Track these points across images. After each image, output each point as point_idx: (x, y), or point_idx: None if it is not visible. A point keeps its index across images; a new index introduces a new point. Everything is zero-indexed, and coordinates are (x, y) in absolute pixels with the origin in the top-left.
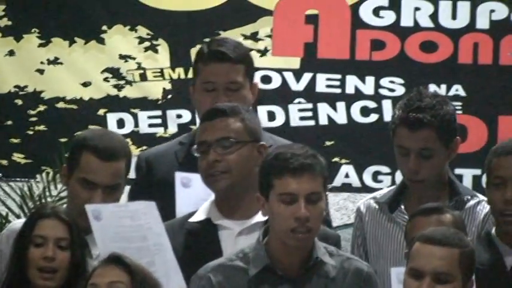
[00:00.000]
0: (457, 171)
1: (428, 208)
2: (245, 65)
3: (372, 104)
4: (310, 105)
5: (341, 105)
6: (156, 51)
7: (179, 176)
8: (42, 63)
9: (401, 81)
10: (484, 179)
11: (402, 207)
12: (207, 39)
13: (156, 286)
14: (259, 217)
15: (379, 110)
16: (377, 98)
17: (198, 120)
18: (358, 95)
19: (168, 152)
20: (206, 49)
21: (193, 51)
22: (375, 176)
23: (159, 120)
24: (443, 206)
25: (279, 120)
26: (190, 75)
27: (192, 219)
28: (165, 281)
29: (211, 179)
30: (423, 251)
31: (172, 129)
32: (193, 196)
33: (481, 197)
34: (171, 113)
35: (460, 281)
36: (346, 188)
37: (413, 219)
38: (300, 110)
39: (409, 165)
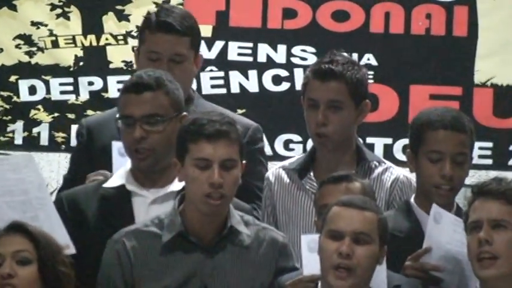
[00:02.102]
0: (369, 140)
1: (337, 176)
2: (191, 37)
3: (283, 73)
4: (222, 74)
5: (253, 74)
6: (67, 18)
7: (116, 146)
8: None
9: (313, 50)
10: (395, 147)
11: (311, 174)
12: (118, 7)
13: (60, 250)
14: (174, 186)
15: (290, 78)
16: (289, 66)
17: (112, 87)
18: (270, 64)
19: (109, 120)
20: (154, 18)
21: (105, 19)
22: (287, 144)
23: (70, 88)
24: (352, 174)
25: None
26: (102, 42)
27: (107, 185)
28: None
29: (136, 155)
30: (343, 214)
31: (84, 96)
32: (129, 165)
33: (388, 163)
34: (83, 80)
35: (377, 245)
36: None
37: (322, 187)
38: (212, 78)
39: (317, 117)
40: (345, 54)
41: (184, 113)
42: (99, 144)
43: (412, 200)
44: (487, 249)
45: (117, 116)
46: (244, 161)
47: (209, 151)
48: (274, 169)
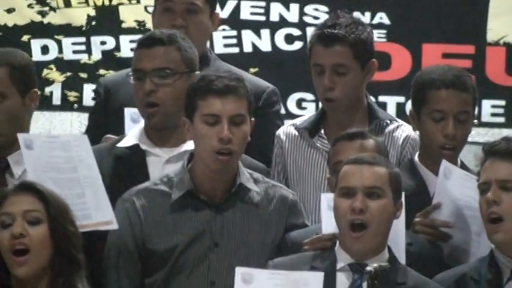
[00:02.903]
0: (381, 98)
1: (351, 133)
2: None
3: (296, 32)
4: (234, 33)
5: (265, 33)
6: None
7: (128, 112)
8: None
9: (325, 8)
10: (408, 106)
11: (322, 132)
12: None
13: (68, 212)
14: (188, 145)
15: (303, 37)
16: (301, 25)
17: (125, 46)
18: (283, 23)
19: (126, 79)
20: None
21: None
22: (299, 103)
23: (83, 47)
24: (366, 131)
25: None
26: (114, 1)
27: (121, 144)
28: (93, 213)
29: (146, 110)
30: (353, 170)
31: (97, 55)
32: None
33: (400, 121)
34: (95, 40)
35: (391, 199)
36: None
37: (336, 144)
38: (225, 37)
39: (324, 82)
40: (348, 14)
41: (197, 72)
42: (116, 104)
43: (416, 158)
44: (495, 210)
45: (130, 73)
46: (253, 119)
47: (218, 107)
48: (285, 127)
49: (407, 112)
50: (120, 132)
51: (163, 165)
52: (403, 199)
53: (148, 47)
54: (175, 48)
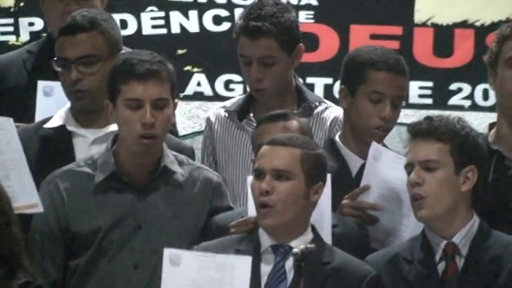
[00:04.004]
0: (309, 80)
1: (274, 115)
2: None
3: (224, 13)
4: (162, 14)
5: (193, 14)
6: None
7: (41, 85)
8: None
9: None
10: (336, 87)
11: (251, 115)
12: None
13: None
14: (114, 126)
15: (231, 18)
16: (229, 6)
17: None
18: (211, 4)
19: (16, 61)
20: None
21: None
22: (227, 84)
23: (11, 28)
24: (289, 113)
25: (131, 29)
26: None
27: (47, 125)
28: (19, 196)
29: (73, 96)
30: (265, 152)
31: (25, 37)
32: (54, 104)
33: (329, 103)
34: (23, 21)
35: (302, 181)
36: (198, 96)
37: (259, 125)
38: (152, 18)
39: (251, 74)
40: (272, 0)
41: (123, 51)
42: (7, 85)
43: (337, 138)
44: (417, 192)
45: (55, 60)
46: (176, 100)
47: (140, 91)
48: (215, 109)
49: (336, 93)
50: (14, 111)
51: (89, 146)
52: (329, 181)
53: (71, 34)
54: (98, 33)
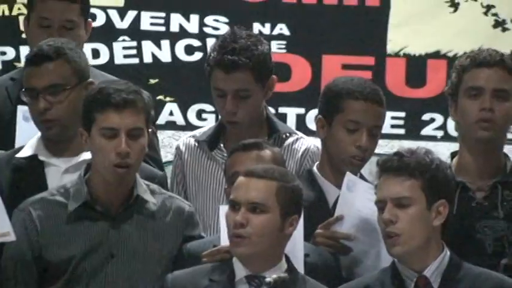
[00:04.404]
0: (281, 109)
1: (247, 144)
2: (81, 4)
3: (196, 43)
4: (134, 43)
5: (165, 43)
6: None
7: (21, 110)
8: None
9: (225, 19)
10: (308, 117)
11: (222, 145)
12: None
13: None
14: (86, 155)
15: (203, 48)
16: (201, 36)
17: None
18: (183, 33)
19: None
20: None
21: None
22: (199, 114)
23: None
24: (262, 142)
25: (104, 58)
26: (14, 12)
27: (19, 155)
28: None
29: (43, 126)
30: (241, 183)
31: None
32: (34, 129)
33: (300, 134)
34: None
35: (277, 214)
36: (171, 126)
37: (232, 154)
38: (125, 48)
39: (226, 106)
40: (245, 32)
41: (90, 80)
42: None
43: (315, 168)
44: (391, 230)
45: (23, 91)
46: (150, 129)
47: (116, 120)
48: (184, 138)
49: (308, 122)
50: None
51: (61, 175)
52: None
53: (36, 64)
54: (65, 62)
